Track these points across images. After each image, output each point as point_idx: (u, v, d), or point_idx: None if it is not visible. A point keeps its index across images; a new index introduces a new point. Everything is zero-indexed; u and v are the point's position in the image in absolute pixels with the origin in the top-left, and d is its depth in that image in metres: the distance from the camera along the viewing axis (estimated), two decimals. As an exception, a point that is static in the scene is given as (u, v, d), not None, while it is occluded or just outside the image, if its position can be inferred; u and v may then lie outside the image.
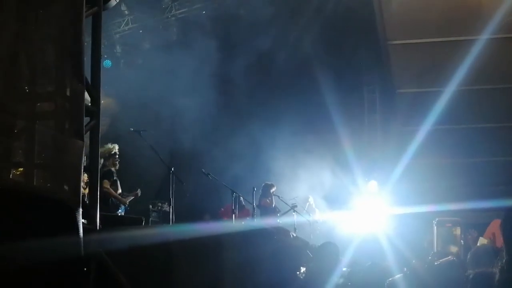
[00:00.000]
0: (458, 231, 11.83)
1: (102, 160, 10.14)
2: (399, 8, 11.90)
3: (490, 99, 13.70)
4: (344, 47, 14.65)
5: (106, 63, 13.35)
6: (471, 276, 4.27)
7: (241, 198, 11.40)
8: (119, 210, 9.92)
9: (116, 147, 10.19)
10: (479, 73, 12.86)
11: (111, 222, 7.54)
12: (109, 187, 9.89)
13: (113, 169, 10.15)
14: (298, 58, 13.26)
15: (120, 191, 10.19)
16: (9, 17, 4.41)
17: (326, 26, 13.65)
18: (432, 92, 13.57)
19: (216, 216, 12.49)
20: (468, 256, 5.80)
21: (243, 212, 11.64)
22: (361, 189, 14.96)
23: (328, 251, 6.10)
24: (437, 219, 12.71)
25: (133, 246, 5.52)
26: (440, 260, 5.16)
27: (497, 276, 4.11)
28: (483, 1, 11.44)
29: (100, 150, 10.07)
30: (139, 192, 10.27)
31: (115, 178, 10.11)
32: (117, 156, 10.22)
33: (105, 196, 9.89)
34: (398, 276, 5.69)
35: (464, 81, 13.04)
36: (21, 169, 4.88)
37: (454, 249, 10.72)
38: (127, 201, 10.15)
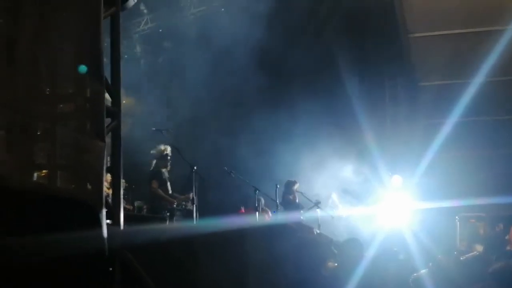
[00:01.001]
0: (482, 227, 11.58)
1: (154, 161, 10.24)
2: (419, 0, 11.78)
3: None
4: (365, 40, 14.55)
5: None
6: (490, 270, 4.20)
7: (262, 200, 11.34)
8: (168, 212, 9.74)
9: (168, 148, 10.24)
10: (504, 64, 12.67)
11: (135, 221, 7.61)
12: (156, 187, 9.95)
13: (164, 170, 10.21)
14: (318, 52, 13.17)
15: (170, 191, 10.23)
16: (28, 19, 4.45)
17: (347, 18, 13.55)
18: (456, 84, 13.41)
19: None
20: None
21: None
22: (385, 184, 14.83)
23: (352, 247, 6.06)
24: (460, 214, 12.52)
25: (157, 244, 5.54)
26: (466, 255, 5.09)
27: None
28: (508, -10, 11.27)
29: (152, 151, 10.29)
30: (191, 195, 9.81)
31: (164, 178, 10.16)
32: (168, 157, 10.29)
33: (153, 196, 9.97)
34: (423, 271, 5.63)
35: (489, 73, 12.87)
36: (45, 171, 4.92)
37: (478, 247, 10.50)
38: (175, 202, 10.08)
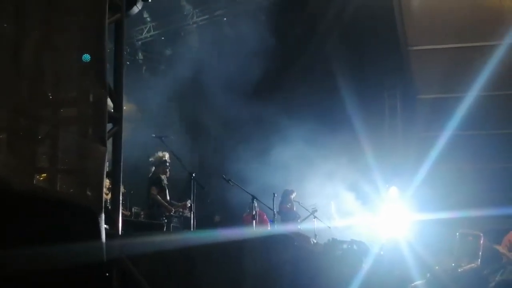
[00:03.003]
0: (479, 244, 11.57)
1: (153, 168, 10.28)
2: (420, 14, 11.85)
3: (512, 104, 13.56)
4: (365, 52, 14.62)
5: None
6: (492, 285, 4.21)
7: (257, 207, 11.39)
8: (166, 219, 9.80)
9: (167, 155, 10.26)
10: (501, 78, 12.75)
11: (133, 227, 7.62)
12: (156, 193, 9.97)
13: (162, 176, 10.24)
14: (319, 63, 13.23)
15: (168, 198, 10.25)
16: (33, 24, 4.48)
17: (348, 30, 13.62)
18: (453, 97, 13.47)
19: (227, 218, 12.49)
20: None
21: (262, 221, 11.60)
22: (382, 195, 14.87)
23: (349, 258, 6.08)
24: (460, 231, 12.52)
25: (155, 251, 5.55)
26: (464, 267, 5.11)
27: None
28: (506, 6, 11.34)
29: (151, 158, 10.31)
30: (188, 203, 9.89)
31: (163, 185, 10.18)
32: (167, 163, 10.31)
33: (152, 202, 9.99)
34: (420, 282, 5.65)
35: (486, 87, 12.94)
36: (45, 174, 4.94)
37: (475, 263, 10.48)
38: (173, 210, 10.10)
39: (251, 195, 10.83)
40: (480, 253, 10.84)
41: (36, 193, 4.49)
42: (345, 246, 7.32)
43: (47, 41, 4.64)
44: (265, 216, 11.21)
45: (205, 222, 12.16)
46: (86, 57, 4.92)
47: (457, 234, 12.05)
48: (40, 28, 4.57)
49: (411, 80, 13.71)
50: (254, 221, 10.64)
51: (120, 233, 5.52)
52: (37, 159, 4.71)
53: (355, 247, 6.37)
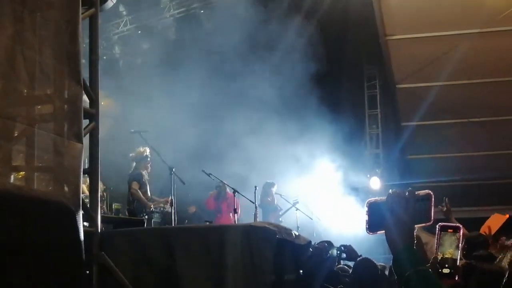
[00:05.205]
0: (458, 236, 11.61)
1: (134, 163, 10.19)
2: (398, 2, 11.88)
3: (489, 92, 13.65)
4: (344, 43, 14.66)
5: None
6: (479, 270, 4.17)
7: (227, 187, 11.44)
8: (146, 215, 9.73)
9: (148, 150, 10.17)
10: (477, 66, 12.86)
11: (112, 224, 7.57)
12: (137, 188, 9.90)
13: (143, 172, 10.16)
14: (296, 55, 13.21)
15: (149, 194, 10.18)
16: (5, 21, 4.40)
17: (325, 20, 13.61)
18: (431, 87, 13.55)
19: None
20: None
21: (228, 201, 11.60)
22: (364, 186, 14.96)
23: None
24: (440, 224, 12.56)
25: (135, 246, 5.53)
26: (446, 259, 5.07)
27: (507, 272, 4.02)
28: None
29: (132, 154, 10.23)
30: (169, 198, 9.82)
31: (144, 180, 10.11)
32: (148, 159, 10.23)
33: (133, 198, 9.92)
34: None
35: (464, 75, 13.05)
36: (22, 172, 4.88)
37: (454, 254, 10.48)
38: (152, 206, 10.01)
39: (232, 188, 10.85)
40: (460, 244, 10.91)
41: (13, 192, 4.44)
42: (335, 252, 7.30)
43: (19, 38, 4.56)
44: (233, 199, 11.19)
45: (186, 217, 12.16)
46: None
47: (438, 226, 12.09)
48: (13, 25, 4.49)
49: (390, 69, 13.75)
50: (216, 201, 10.97)
51: (99, 230, 5.48)
52: (13, 158, 4.64)
53: (343, 255, 6.37)
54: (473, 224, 7.18)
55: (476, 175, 14.92)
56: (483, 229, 6.89)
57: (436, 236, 2.35)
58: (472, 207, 14.85)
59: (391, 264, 2.41)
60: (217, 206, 11.86)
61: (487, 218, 7.20)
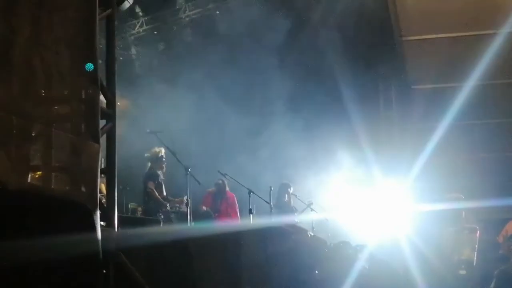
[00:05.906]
0: (475, 237, 11.51)
1: (149, 163, 10.29)
2: (414, 3, 11.81)
3: (509, 93, 13.53)
4: (359, 43, 14.59)
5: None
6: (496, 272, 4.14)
7: (226, 184, 11.45)
8: (162, 214, 9.78)
9: (163, 150, 10.28)
10: (497, 67, 12.72)
11: (129, 223, 7.60)
12: (153, 188, 9.98)
13: (159, 171, 10.24)
14: (312, 54, 13.19)
15: (164, 194, 10.24)
16: (23, 22, 4.43)
17: (341, 21, 13.57)
18: (449, 87, 13.45)
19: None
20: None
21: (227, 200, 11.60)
22: (379, 187, 14.87)
23: (343, 250, 6.07)
24: (455, 227, 12.48)
25: (152, 246, 5.54)
26: (462, 260, 5.05)
27: None
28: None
29: (147, 154, 10.35)
30: (185, 198, 9.89)
31: (159, 180, 10.19)
32: (163, 159, 10.34)
33: (148, 198, 10.01)
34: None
35: (481, 76, 12.92)
36: (39, 172, 4.91)
37: (470, 255, 10.41)
38: (168, 205, 10.07)
39: (247, 189, 10.84)
40: (477, 246, 10.85)
41: (30, 191, 4.47)
42: (351, 251, 7.30)
43: (37, 39, 4.59)
44: (235, 199, 11.15)
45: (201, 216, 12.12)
46: (90, 66, 4.89)
47: (453, 229, 12.03)
48: (30, 26, 4.51)
49: (405, 70, 13.67)
50: (215, 200, 11.11)
51: (116, 229, 5.50)
52: (31, 158, 4.67)
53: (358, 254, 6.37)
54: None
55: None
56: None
57: None
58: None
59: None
60: (215, 205, 11.79)
61: None
